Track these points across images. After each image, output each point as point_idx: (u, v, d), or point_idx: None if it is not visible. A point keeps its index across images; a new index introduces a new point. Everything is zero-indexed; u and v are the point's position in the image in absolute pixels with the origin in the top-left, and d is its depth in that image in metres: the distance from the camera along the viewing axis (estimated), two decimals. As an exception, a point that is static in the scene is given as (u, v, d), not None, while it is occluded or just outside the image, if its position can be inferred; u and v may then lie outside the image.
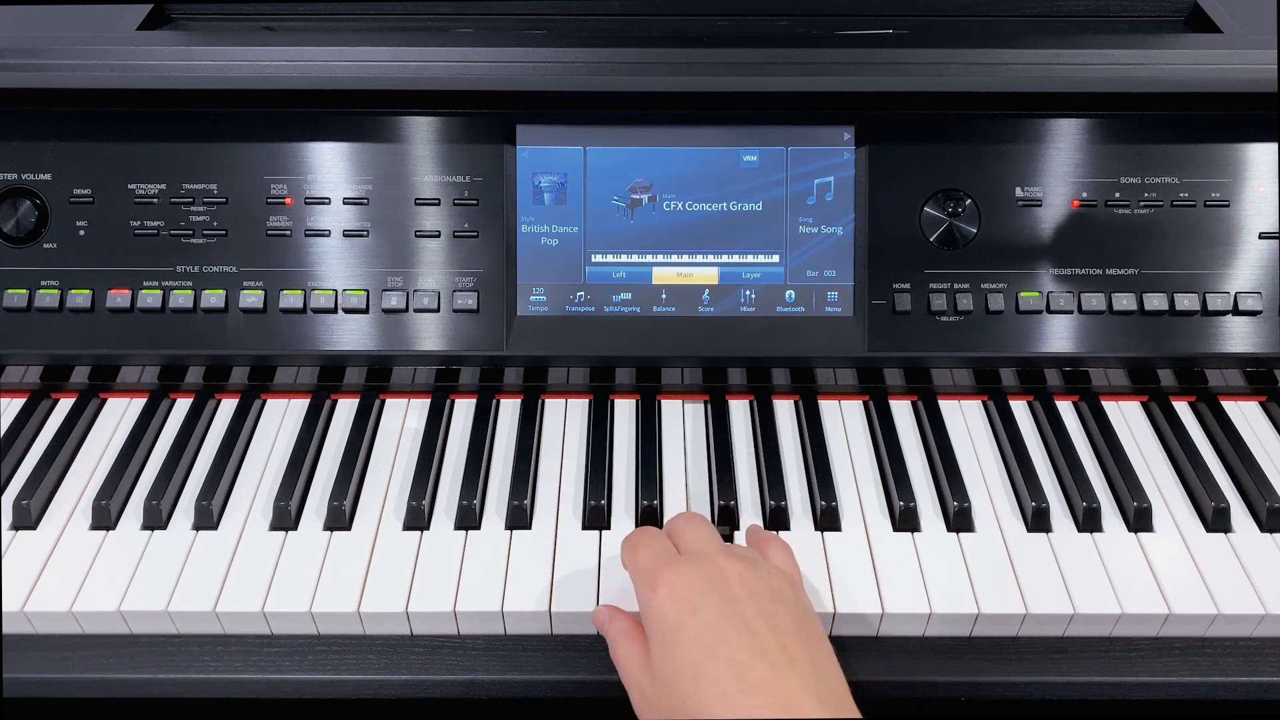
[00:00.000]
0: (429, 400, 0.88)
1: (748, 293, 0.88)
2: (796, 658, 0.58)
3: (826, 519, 0.77)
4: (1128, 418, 0.88)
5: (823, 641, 0.62)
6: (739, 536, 0.76)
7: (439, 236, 0.86)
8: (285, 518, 0.77)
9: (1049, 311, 0.86)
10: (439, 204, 0.86)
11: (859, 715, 0.58)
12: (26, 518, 0.77)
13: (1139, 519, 0.77)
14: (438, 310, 0.86)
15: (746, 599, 0.61)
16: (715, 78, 0.83)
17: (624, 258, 0.88)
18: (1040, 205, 0.86)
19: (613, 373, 0.89)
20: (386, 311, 0.86)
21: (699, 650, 0.59)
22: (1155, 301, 0.85)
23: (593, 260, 0.88)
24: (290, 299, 0.85)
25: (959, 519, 0.77)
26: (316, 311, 0.86)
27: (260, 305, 0.85)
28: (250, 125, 0.86)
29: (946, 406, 0.88)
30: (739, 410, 0.88)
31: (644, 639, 0.64)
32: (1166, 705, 0.71)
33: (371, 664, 0.71)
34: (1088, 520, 0.77)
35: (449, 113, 0.86)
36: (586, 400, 0.89)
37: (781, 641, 0.59)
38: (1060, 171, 0.86)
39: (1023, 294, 0.86)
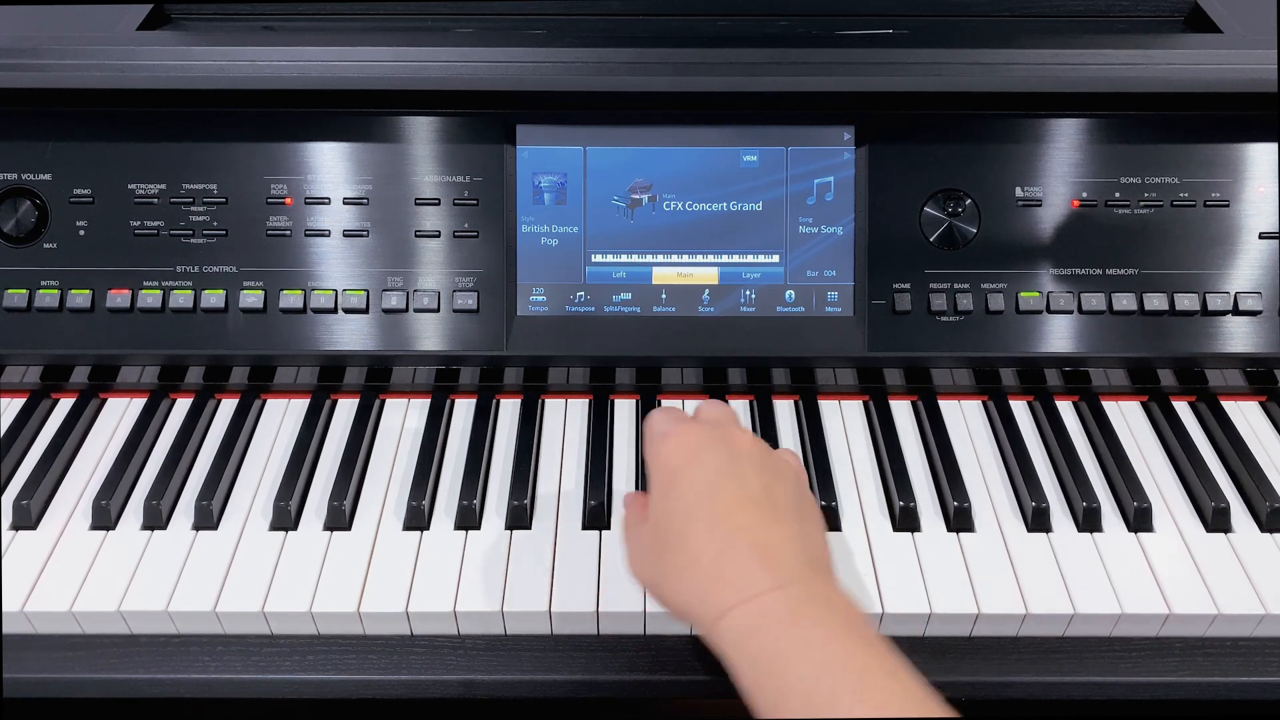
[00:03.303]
0: (429, 400, 0.88)
1: (748, 293, 0.88)
2: (784, 517, 0.60)
3: (826, 519, 0.77)
4: (1128, 418, 0.88)
5: (816, 520, 0.64)
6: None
7: (439, 236, 0.86)
8: (285, 518, 0.77)
9: (1049, 311, 0.86)
10: (439, 204, 0.86)
11: (832, 572, 0.60)
12: (26, 518, 0.77)
13: (1139, 519, 0.77)
14: (438, 310, 0.86)
15: (749, 460, 0.63)
16: (715, 78, 0.83)
17: (624, 258, 0.88)
18: (1040, 205, 0.86)
19: (613, 373, 0.89)
20: (386, 311, 0.86)
21: (693, 493, 0.61)
22: (1155, 301, 0.85)
23: (593, 260, 0.88)
24: (290, 299, 0.85)
25: (959, 519, 0.77)
26: (316, 311, 0.86)
27: (260, 305, 0.85)
28: (250, 125, 0.86)
29: (946, 406, 0.88)
30: (739, 410, 0.88)
31: (646, 504, 0.65)
32: (1166, 705, 0.71)
33: (371, 664, 0.71)
34: (1088, 520, 0.77)
35: (449, 113, 0.86)
36: (586, 400, 0.89)
37: (773, 501, 0.61)
38: (1060, 171, 0.86)
39: (1023, 294, 0.86)
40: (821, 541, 0.62)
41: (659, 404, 0.88)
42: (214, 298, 0.85)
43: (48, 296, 0.85)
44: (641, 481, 0.80)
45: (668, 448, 0.63)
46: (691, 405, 0.88)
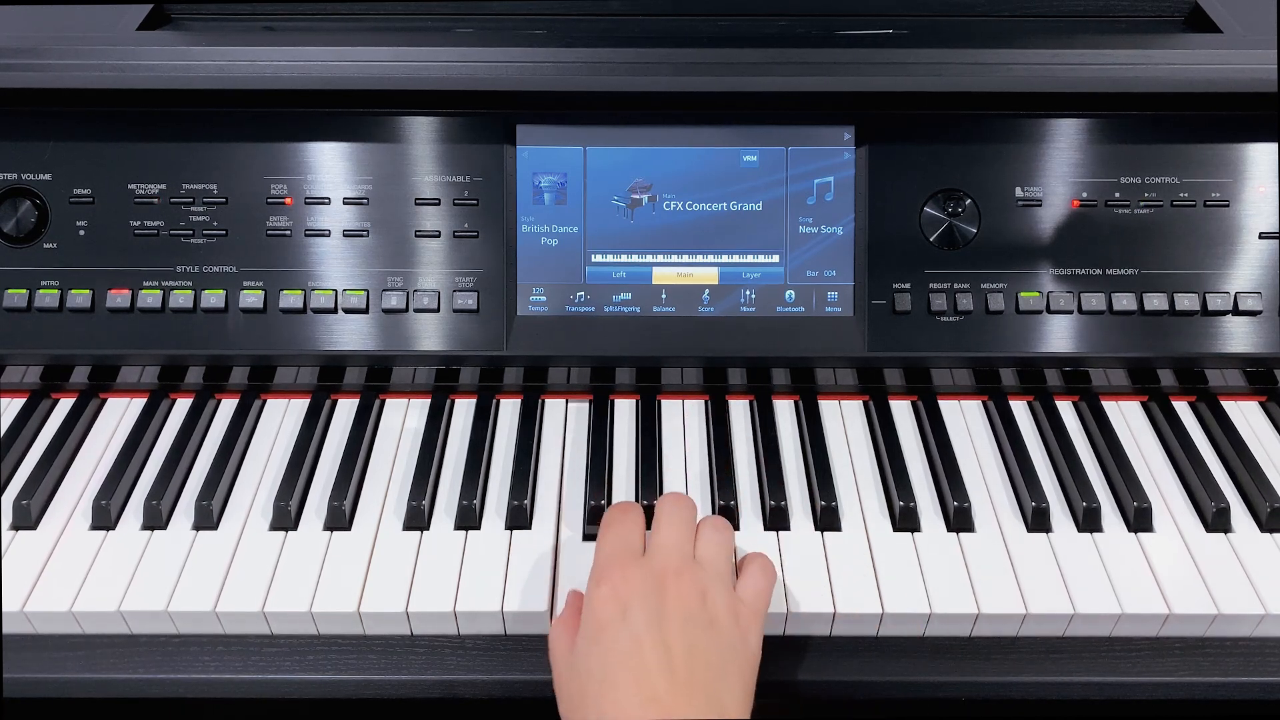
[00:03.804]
0: (429, 400, 0.88)
1: (748, 293, 0.88)
2: (700, 685, 0.60)
3: (826, 519, 0.77)
4: (1128, 418, 0.88)
5: (740, 679, 0.63)
6: (739, 537, 0.76)
7: (439, 236, 0.86)
8: (285, 518, 0.77)
9: (1049, 311, 0.86)
10: (439, 204, 0.86)
11: None
12: (26, 518, 0.77)
13: (1139, 519, 0.77)
14: (438, 310, 0.86)
15: (676, 618, 0.63)
16: (715, 78, 0.83)
17: (624, 258, 0.88)
18: (1040, 205, 0.86)
19: (613, 373, 0.89)
20: (386, 311, 0.86)
21: (617, 652, 0.61)
22: (1155, 301, 0.85)
23: (593, 260, 0.88)
24: (290, 299, 0.85)
25: (959, 519, 0.77)
26: (316, 311, 0.86)
27: (260, 305, 0.85)
28: (250, 125, 0.86)
29: (946, 406, 0.88)
30: (739, 410, 0.88)
31: (577, 627, 0.65)
32: (1166, 705, 0.71)
33: (371, 664, 0.71)
34: (1088, 520, 0.77)
35: (449, 113, 0.86)
36: (586, 400, 0.89)
37: (691, 667, 0.61)
38: (1060, 171, 0.86)
39: (1023, 294, 0.86)
40: (738, 700, 0.62)
41: (659, 404, 0.88)
42: (214, 298, 0.85)
43: (48, 296, 0.85)
44: (641, 482, 0.80)
45: (600, 596, 0.64)
46: (692, 404, 0.89)
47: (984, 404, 0.89)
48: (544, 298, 0.87)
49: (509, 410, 0.88)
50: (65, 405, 0.88)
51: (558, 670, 0.65)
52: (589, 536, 0.77)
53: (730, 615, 0.65)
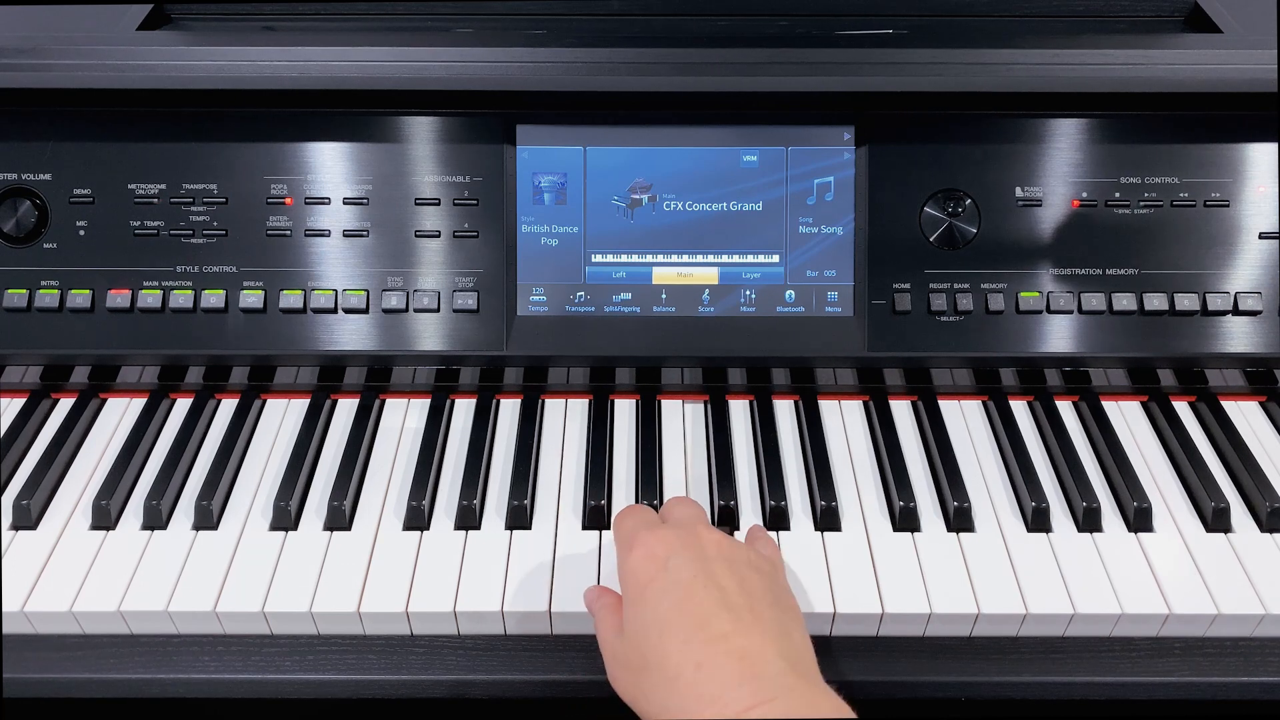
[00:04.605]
0: (429, 400, 0.88)
1: (748, 293, 0.88)
2: (763, 616, 0.59)
3: (826, 519, 0.77)
4: (1128, 418, 0.88)
5: (795, 612, 0.62)
6: (739, 537, 0.76)
7: (439, 236, 0.86)
8: (285, 518, 0.77)
9: (1049, 311, 0.86)
10: (439, 204, 0.86)
11: (820, 680, 0.58)
12: (26, 518, 0.77)
13: (1139, 519, 0.77)
14: (438, 310, 0.86)
15: (719, 560, 0.62)
16: (715, 78, 0.83)
17: (624, 258, 0.88)
18: (1040, 205, 0.86)
19: (613, 373, 0.89)
20: (386, 311, 0.86)
21: (666, 604, 0.59)
22: (1155, 301, 0.85)
23: (593, 260, 0.88)
24: (290, 299, 0.85)
25: (959, 519, 0.77)
26: (316, 311, 0.86)
27: (260, 305, 0.85)
28: (250, 125, 0.86)
29: (946, 406, 0.88)
30: (739, 410, 0.88)
31: (621, 610, 0.64)
32: (1166, 705, 0.71)
33: (371, 664, 0.71)
34: (1088, 520, 0.77)
35: (449, 113, 0.86)
36: (586, 400, 0.89)
37: (750, 601, 0.59)
38: (1060, 171, 0.86)
39: (1023, 294, 0.86)
40: (802, 636, 0.61)
41: (659, 404, 0.88)
42: (214, 298, 0.85)
43: (48, 296, 0.85)
44: (641, 482, 0.80)
45: (635, 559, 0.62)
46: (692, 404, 0.89)
47: (984, 404, 0.89)
48: (544, 298, 0.87)
49: (509, 410, 0.88)
50: (65, 405, 0.88)
51: (611, 650, 0.63)
52: (588, 535, 0.77)
53: (766, 561, 0.65)
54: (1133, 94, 0.84)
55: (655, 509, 0.77)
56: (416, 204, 0.86)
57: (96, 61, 0.83)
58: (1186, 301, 0.85)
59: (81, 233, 0.86)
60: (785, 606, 0.62)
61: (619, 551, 0.66)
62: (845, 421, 0.87)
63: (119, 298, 0.85)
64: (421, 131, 0.87)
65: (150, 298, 0.85)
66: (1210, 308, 0.85)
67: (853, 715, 0.56)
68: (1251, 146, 0.86)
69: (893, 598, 0.71)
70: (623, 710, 0.65)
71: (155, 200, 0.86)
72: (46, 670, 0.70)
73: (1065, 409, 0.88)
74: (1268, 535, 0.77)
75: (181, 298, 0.85)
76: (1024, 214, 0.86)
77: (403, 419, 0.87)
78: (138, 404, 0.88)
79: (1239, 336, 0.86)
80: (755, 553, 0.65)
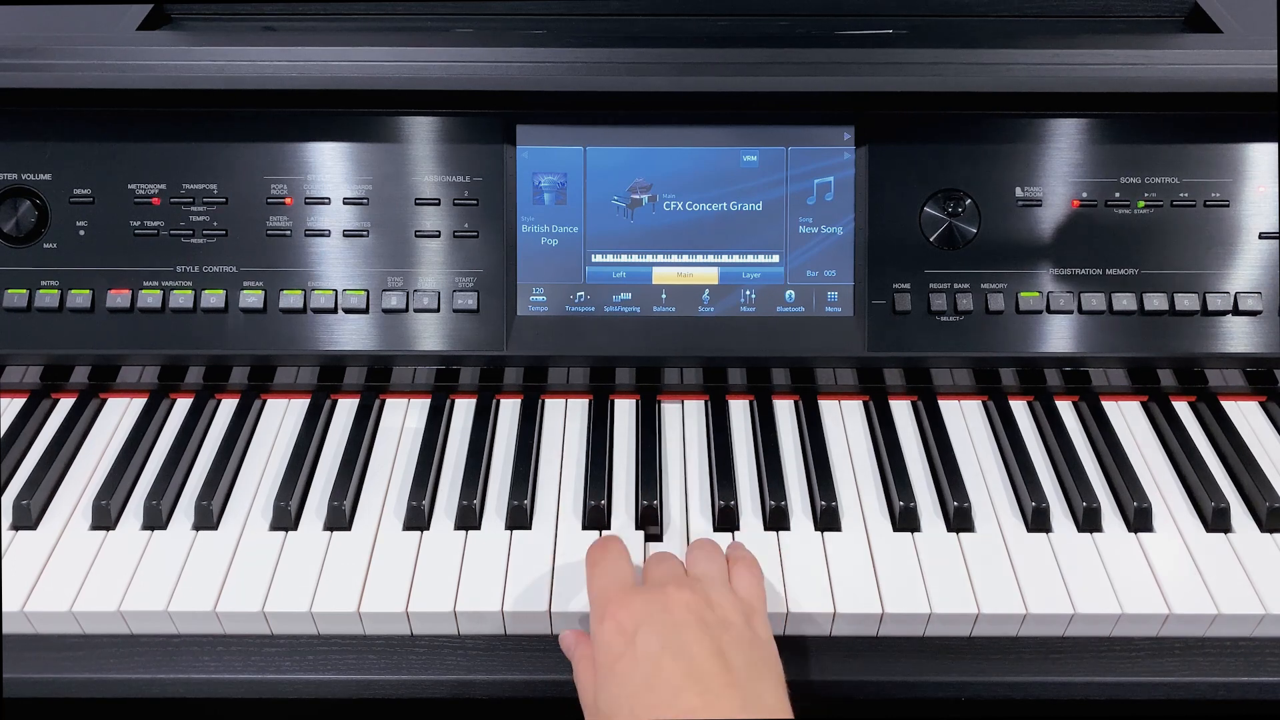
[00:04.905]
0: (429, 400, 0.88)
1: (748, 293, 0.88)
2: (735, 680, 0.58)
3: (826, 519, 0.77)
4: (1128, 418, 0.88)
5: (770, 669, 0.62)
6: (739, 536, 0.76)
7: (439, 236, 0.86)
8: (285, 518, 0.77)
9: (1049, 311, 0.86)
10: (439, 204, 0.86)
11: None
12: (26, 518, 0.77)
13: (1139, 519, 0.77)
14: (438, 310, 0.86)
15: (690, 626, 0.61)
16: (715, 78, 0.83)
17: (624, 258, 0.88)
18: (1040, 205, 0.86)
19: (613, 373, 0.89)
20: (386, 311, 0.86)
21: (635, 681, 0.59)
22: (1155, 301, 0.85)
23: (593, 260, 0.88)
24: (290, 299, 0.85)
25: (959, 519, 0.77)
26: (316, 311, 0.86)
27: (260, 305, 0.85)
28: (250, 125, 0.86)
29: (946, 406, 0.88)
30: (739, 410, 0.88)
31: (590, 653, 0.64)
32: (1166, 705, 0.71)
33: (371, 664, 0.71)
34: (1088, 520, 0.77)
35: (449, 113, 0.86)
36: (586, 400, 0.89)
37: (721, 665, 0.59)
38: (1060, 171, 0.86)
39: (1023, 294, 0.86)
40: (775, 692, 0.60)
41: (659, 404, 0.88)
42: (214, 298, 0.85)
43: (48, 296, 0.85)
44: (641, 482, 0.80)
45: (605, 631, 0.62)
46: (692, 404, 0.89)
47: (984, 404, 0.89)
48: (544, 298, 0.87)
49: (509, 410, 0.88)
50: (65, 405, 0.88)
51: (588, 714, 0.63)
52: (588, 535, 0.77)
53: (740, 614, 0.64)
54: (1133, 94, 0.84)
55: (656, 509, 0.77)
56: (416, 204, 0.86)
57: (96, 61, 0.83)
58: (1186, 301, 0.85)
59: (81, 233, 0.86)
60: (759, 660, 0.61)
61: (591, 618, 0.65)
62: (845, 421, 0.87)
63: (119, 298, 0.85)
64: (421, 131, 0.87)
65: (150, 298, 0.85)
66: (1210, 308, 0.85)
67: None
68: (1251, 146, 0.86)
69: (893, 598, 0.71)
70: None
71: (155, 200, 0.86)
72: (46, 670, 0.70)
73: (1065, 409, 0.88)
74: (1268, 535, 0.77)
75: (181, 298, 0.85)
76: (1024, 214, 0.86)
77: (403, 419, 0.87)
78: (138, 404, 0.88)
79: (1239, 336, 0.86)
80: (728, 603, 0.64)
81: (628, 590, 0.65)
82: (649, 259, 0.88)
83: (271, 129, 0.86)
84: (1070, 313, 0.86)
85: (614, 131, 0.87)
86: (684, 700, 0.57)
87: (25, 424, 0.85)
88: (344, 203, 0.86)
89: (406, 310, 0.86)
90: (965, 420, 0.87)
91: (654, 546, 0.76)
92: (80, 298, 0.85)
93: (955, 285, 0.86)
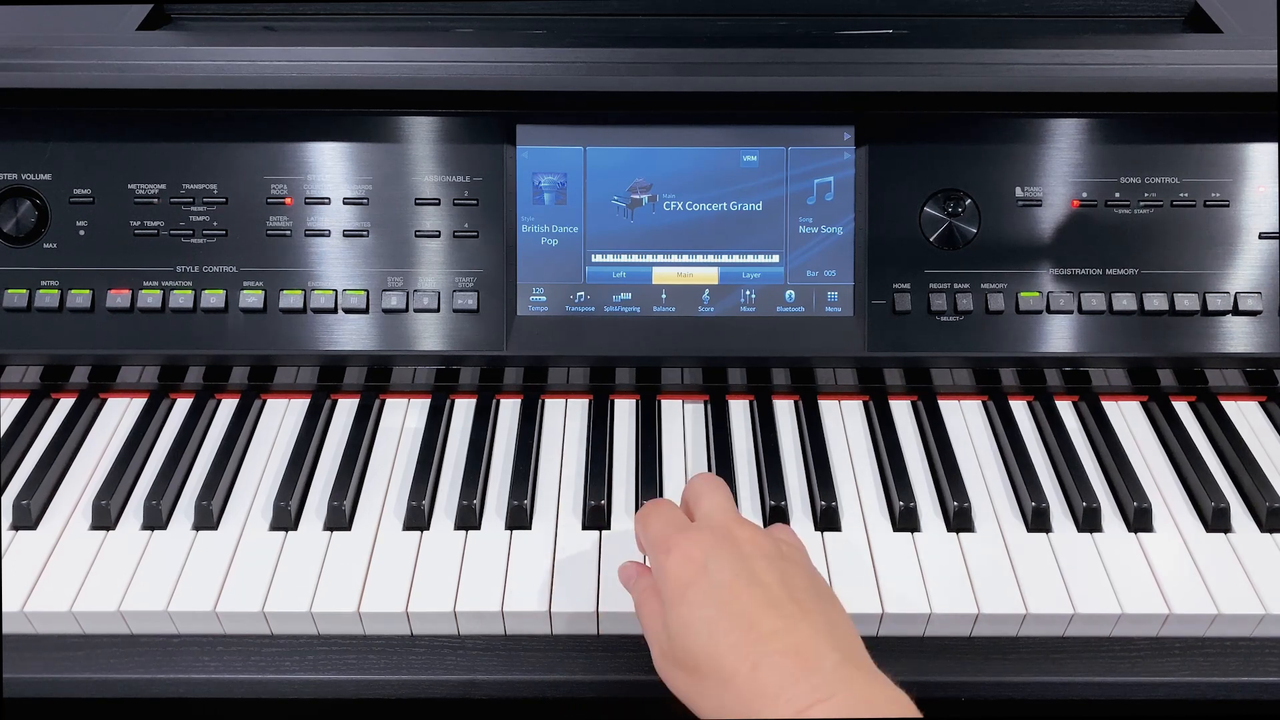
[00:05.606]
0: (429, 400, 0.88)
1: (748, 293, 0.88)
2: (809, 609, 0.59)
3: (826, 519, 0.77)
4: (1128, 418, 0.88)
5: (834, 599, 0.62)
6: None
7: (439, 236, 0.86)
8: (285, 518, 0.77)
9: (1049, 311, 0.86)
10: (439, 204, 0.86)
11: (874, 667, 0.58)
12: (26, 518, 0.77)
13: (1139, 519, 0.77)
14: (438, 310, 0.86)
15: (757, 557, 0.61)
16: (715, 78, 0.83)
17: (624, 258, 0.88)
18: (1040, 205, 0.86)
19: (613, 373, 0.89)
20: (386, 311, 0.86)
21: (711, 606, 0.59)
22: (1155, 301, 0.85)
23: (593, 260, 0.88)
24: (290, 299, 0.85)
25: (959, 519, 0.77)
26: (316, 311, 0.86)
27: (260, 305, 0.85)
28: (250, 125, 0.86)
29: (946, 406, 0.88)
30: (739, 410, 0.88)
31: (656, 591, 0.63)
32: (1166, 705, 0.71)
33: (371, 664, 0.71)
34: (1088, 520, 0.77)
35: (449, 113, 0.86)
36: (586, 400, 0.89)
37: (793, 595, 0.59)
38: (1060, 171, 0.86)
39: (1023, 294, 0.86)
40: (846, 624, 0.61)
41: (659, 404, 0.88)
42: (214, 298, 0.85)
43: (48, 296, 0.85)
44: (641, 482, 0.80)
45: (673, 562, 0.62)
46: (691, 405, 0.89)
47: (984, 404, 0.89)
48: (544, 298, 0.87)
49: (509, 410, 0.88)
50: (65, 405, 0.88)
51: (657, 647, 0.62)
52: (588, 535, 0.77)
53: (797, 551, 0.65)
54: (1132, 94, 0.84)
55: None
56: (416, 204, 0.86)
57: (96, 61, 0.83)
58: (1186, 301, 0.85)
59: (81, 233, 0.86)
60: (824, 595, 0.62)
61: (654, 557, 0.64)
62: (845, 421, 0.87)
63: (119, 298, 0.85)
64: (421, 131, 0.87)
65: (150, 298, 0.85)
66: (1210, 308, 0.85)
67: (909, 702, 0.56)
68: (1251, 146, 0.86)
69: (893, 598, 0.71)
70: (623, 710, 0.65)
71: (155, 200, 0.86)
72: (46, 670, 0.70)
73: (1065, 409, 0.88)
74: (1268, 535, 0.77)
75: (181, 298, 0.85)
76: (1024, 214, 0.86)
77: (403, 419, 0.87)
78: (138, 404, 0.88)
79: (1239, 336, 0.86)
80: (786, 543, 0.65)
81: (688, 527, 0.65)
82: (649, 259, 0.88)
83: (271, 129, 0.86)
84: (1070, 313, 0.86)
85: (614, 131, 0.87)
86: (765, 623, 0.57)
87: (25, 424, 0.85)
88: (344, 203, 0.86)
89: (406, 310, 0.86)
90: (965, 420, 0.87)
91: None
92: (80, 298, 0.85)
93: (955, 285, 0.86)
